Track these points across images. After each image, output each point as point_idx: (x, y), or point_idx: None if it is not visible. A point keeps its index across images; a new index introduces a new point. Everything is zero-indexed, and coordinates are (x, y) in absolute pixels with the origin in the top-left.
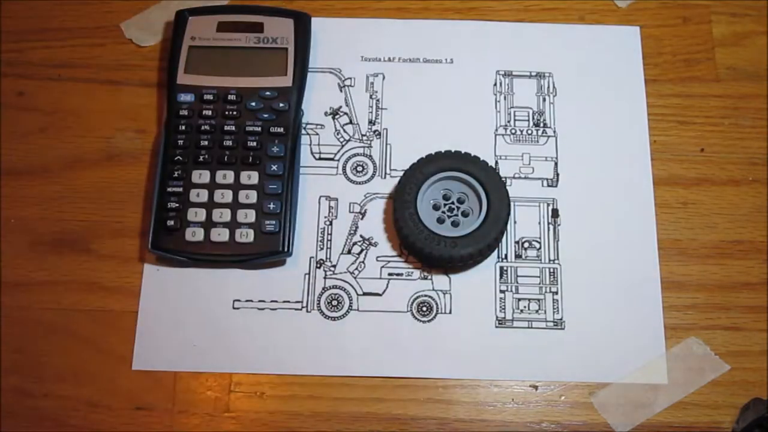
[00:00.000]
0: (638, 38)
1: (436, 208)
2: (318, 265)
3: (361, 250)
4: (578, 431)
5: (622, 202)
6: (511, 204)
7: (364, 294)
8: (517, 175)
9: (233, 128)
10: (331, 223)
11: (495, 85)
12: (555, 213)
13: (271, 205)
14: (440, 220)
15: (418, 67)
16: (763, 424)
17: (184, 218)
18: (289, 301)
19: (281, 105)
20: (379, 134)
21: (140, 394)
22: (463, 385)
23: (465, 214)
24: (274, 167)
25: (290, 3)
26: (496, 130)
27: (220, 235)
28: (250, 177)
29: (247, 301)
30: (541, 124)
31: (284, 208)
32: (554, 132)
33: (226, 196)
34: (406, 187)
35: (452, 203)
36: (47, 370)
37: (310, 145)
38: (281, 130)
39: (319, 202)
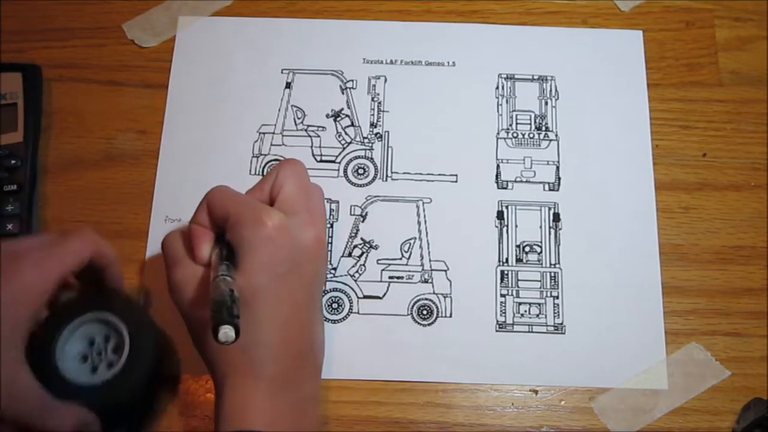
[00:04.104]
0: (641, 42)
1: (84, 359)
2: None
3: (362, 253)
4: None
5: (624, 206)
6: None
7: (365, 297)
8: (518, 179)
9: None
10: (331, 226)
11: (497, 88)
12: (556, 217)
13: None
14: (94, 369)
15: (420, 69)
16: (764, 423)
17: None
18: None
19: (13, 162)
20: (381, 137)
21: None
22: (463, 389)
23: (116, 350)
24: (10, 227)
25: (293, 4)
26: (498, 133)
27: None
28: None
29: None
30: (543, 128)
31: None
32: (556, 136)
33: None
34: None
35: (98, 345)
36: None
37: (312, 147)
38: (15, 187)
39: None
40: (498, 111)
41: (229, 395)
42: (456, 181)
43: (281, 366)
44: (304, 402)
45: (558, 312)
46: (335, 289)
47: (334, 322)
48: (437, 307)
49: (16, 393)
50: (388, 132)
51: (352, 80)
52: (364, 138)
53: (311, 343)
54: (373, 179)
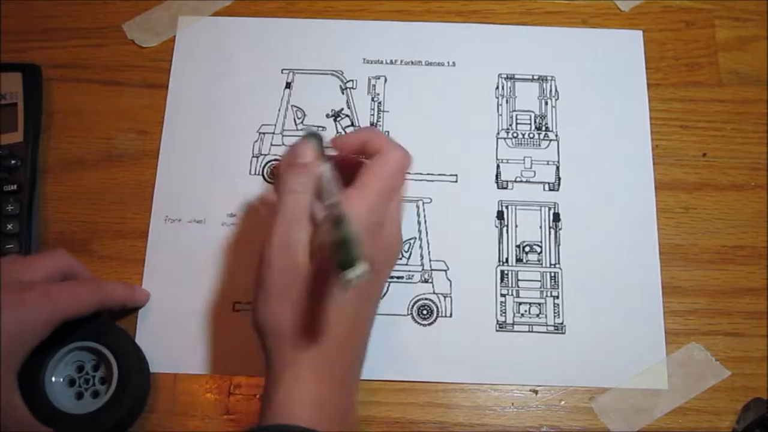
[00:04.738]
0: (641, 42)
1: (72, 383)
2: None
3: None
4: None
5: (624, 206)
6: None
7: None
8: (518, 179)
9: None
10: None
11: (497, 88)
12: (556, 217)
13: None
14: (80, 395)
15: (420, 69)
16: (764, 423)
17: None
18: None
19: (13, 162)
20: None
21: None
22: (463, 389)
23: (103, 381)
24: (10, 226)
25: (293, 4)
26: (498, 133)
27: None
28: None
29: (247, 303)
30: (543, 128)
31: None
32: (556, 136)
33: None
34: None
35: (87, 374)
36: None
37: None
38: (15, 187)
39: None
40: (498, 111)
41: (287, 384)
42: (456, 181)
43: (347, 361)
44: (352, 390)
45: (558, 312)
46: None
47: None
48: (437, 307)
49: (7, 416)
50: (388, 132)
51: (352, 80)
52: None
53: (367, 339)
54: None
